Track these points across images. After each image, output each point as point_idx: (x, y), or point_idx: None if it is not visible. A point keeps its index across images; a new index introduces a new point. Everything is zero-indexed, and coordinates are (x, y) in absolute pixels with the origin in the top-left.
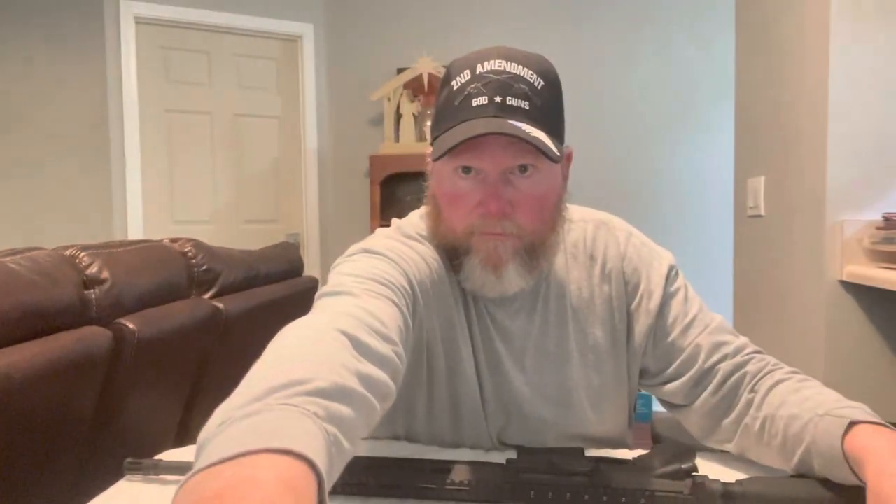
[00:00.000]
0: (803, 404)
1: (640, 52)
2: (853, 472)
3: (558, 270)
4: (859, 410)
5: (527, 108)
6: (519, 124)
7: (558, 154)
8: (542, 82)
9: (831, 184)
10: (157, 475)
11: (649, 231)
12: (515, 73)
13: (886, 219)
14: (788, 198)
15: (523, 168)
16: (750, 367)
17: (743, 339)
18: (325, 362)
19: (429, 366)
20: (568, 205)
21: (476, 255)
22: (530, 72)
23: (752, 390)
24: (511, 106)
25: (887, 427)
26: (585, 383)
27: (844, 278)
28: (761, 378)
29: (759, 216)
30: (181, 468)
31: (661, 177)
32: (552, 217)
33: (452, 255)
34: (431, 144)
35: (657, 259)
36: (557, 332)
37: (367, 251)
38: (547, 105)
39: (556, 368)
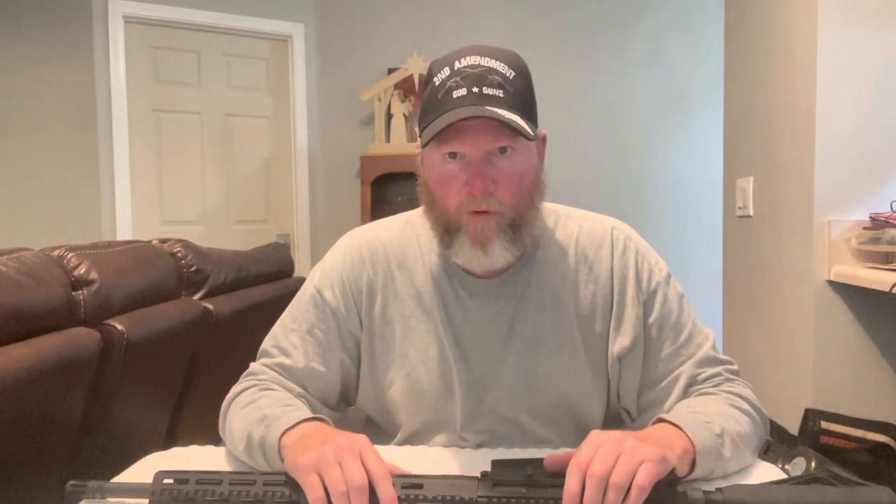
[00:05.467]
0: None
1: (631, 54)
2: None
3: (544, 261)
4: (687, 418)
5: (501, 95)
6: (495, 109)
7: (531, 133)
8: (513, 73)
9: (819, 184)
10: (103, 498)
11: (640, 231)
12: (489, 66)
13: (873, 219)
14: (777, 198)
15: (503, 149)
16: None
17: (718, 367)
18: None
19: (389, 348)
20: (574, 209)
21: (465, 233)
22: (502, 64)
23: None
24: (487, 94)
25: (680, 430)
26: (560, 373)
27: (832, 278)
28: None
29: (748, 216)
30: (128, 490)
31: (651, 177)
32: (531, 192)
33: (446, 233)
34: (420, 137)
35: (650, 270)
36: (534, 318)
37: (311, 292)
38: (518, 92)
39: (529, 352)
